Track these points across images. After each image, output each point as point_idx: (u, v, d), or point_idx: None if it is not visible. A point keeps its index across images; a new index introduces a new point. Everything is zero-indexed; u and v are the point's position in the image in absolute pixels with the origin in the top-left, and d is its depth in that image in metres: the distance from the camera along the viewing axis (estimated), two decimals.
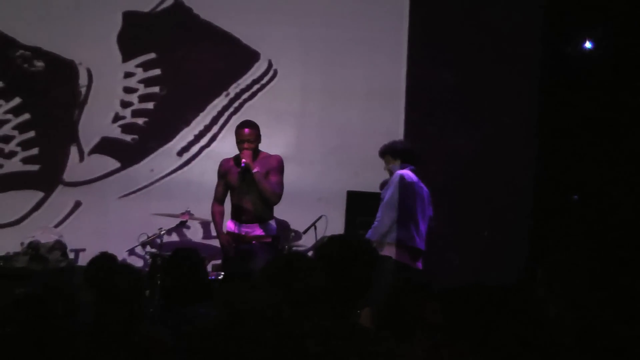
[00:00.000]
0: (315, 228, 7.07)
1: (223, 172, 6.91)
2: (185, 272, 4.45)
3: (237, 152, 7.70)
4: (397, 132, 7.91)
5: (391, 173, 6.71)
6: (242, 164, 6.65)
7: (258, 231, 6.74)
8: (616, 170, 7.48)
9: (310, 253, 6.69)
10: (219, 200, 6.94)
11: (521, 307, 3.25)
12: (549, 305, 3.63)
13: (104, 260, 4.44)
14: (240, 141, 6.75)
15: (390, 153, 6.74)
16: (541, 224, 7.61)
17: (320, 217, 7.05)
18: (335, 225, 7.16)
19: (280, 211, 7.60)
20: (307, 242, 7.08)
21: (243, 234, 6.66)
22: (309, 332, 3.05)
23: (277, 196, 6.71)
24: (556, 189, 7.65)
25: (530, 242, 7.52)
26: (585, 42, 7.87)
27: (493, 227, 7.30)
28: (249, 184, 6.67)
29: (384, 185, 6.82)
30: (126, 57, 8.05)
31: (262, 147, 8.01)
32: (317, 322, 3.10)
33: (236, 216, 6.76)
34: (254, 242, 6.69)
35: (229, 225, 6.85)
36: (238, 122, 7.98)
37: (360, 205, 7.29)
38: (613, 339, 3.43)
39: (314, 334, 3.06)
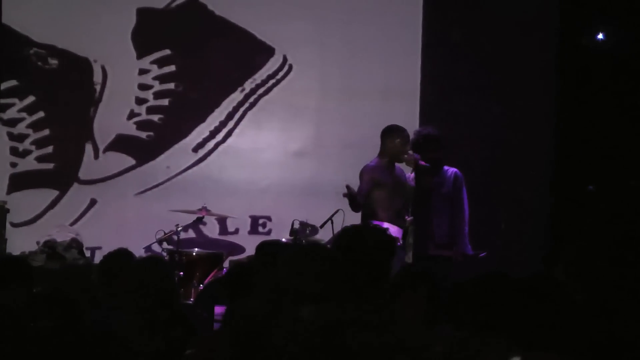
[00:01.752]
0: (332, 222, 6.99)
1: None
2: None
3: (253, 146, 7.70)
4: (413, 125, 7.87)
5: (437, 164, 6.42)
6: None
7: None
8: (633, 160, 7.43)
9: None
10: None
11: (545, 294, 3.20)
12: (572, 292, 3.58)
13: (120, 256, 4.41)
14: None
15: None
16: (559, 214, 7.55)
17: (337, 211, 6.97)
18: (352, 219, 7.07)
19: (296, 206, 7.59)
20: (324, 236, 7.00)
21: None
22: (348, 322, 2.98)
23: None
24: (574, 179, 7.60)
25: (548, 233, 7.46)
26: (600, 33, 7.83)
27: (510, 219, 7.25)
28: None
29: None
30: (141, 53, 8.04)
31: (280, 141, 8.03)
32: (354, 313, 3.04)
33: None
34: None
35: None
36: (253, 118, 8.02)
37: None
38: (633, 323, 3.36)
39: (352, 326, 2.99)
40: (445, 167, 6.51)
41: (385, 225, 6.07)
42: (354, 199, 6.25)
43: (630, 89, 7.59)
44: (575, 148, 7.71)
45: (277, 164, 8.01)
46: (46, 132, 7.97)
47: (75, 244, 7.40)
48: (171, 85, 8.07)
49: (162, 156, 8.00)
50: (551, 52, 7.87)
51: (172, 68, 8.06)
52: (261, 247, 4.81)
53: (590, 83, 7.72)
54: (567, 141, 7.76)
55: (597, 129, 7.70)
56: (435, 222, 6.30)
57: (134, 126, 8.00)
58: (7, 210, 7.72)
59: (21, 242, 7.55)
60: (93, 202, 7.91)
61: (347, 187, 6.24)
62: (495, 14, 7.93)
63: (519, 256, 6.84)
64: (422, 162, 6.28)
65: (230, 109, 8.06)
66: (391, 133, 6.40)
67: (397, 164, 6.52)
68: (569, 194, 7.58)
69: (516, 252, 6.45)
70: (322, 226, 7.11)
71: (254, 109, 8.06)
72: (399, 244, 6.07)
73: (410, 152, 6.36)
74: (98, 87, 7.99)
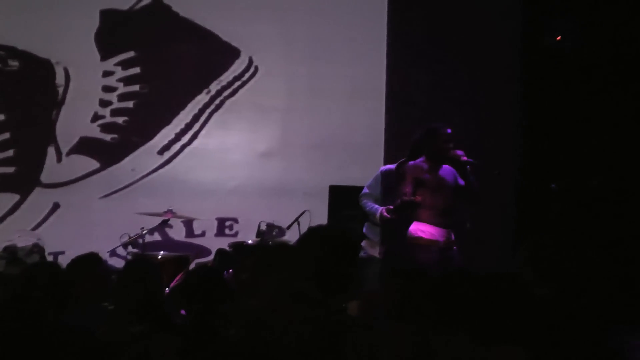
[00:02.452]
0: (299, 223, 6.98)
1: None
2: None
3: (220, 148, 7.65)
4: (379, 126, 7.88)
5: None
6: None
7: None
8: (596, 159, 7.50)
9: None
10: None
11: (509, 291, 3.18)
12: (534, 288, 3.58)
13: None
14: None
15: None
16: (525, 213, 7.59)
17: (303, 212, 6.98)
18: (319, 219, 7.08)
19: (264, 207, 7.56)
20: (291, 237, 6.97)
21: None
22: (301, 321, 2.97)
23: None
24: (539, 178, 7.63)
25: (515, 232, 7.49)
26: (561, 34, 7.90)
27: (477, 218, 7.24)
28: None
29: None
30: (105, 55, 7.95)
31: (247, 142, 7.98)
32: (307, 313, 3.02)
33: None
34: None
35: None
36: (220, 119, 7.96)
37: (343, 199, 7.22)
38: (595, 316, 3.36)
39: (306, 324, 2.98)
40: None
41: (425, 226, 6.00)
42: (407, 206, 6.02)
43: (594, 89, 7.67)
44: (540, 147, 7.77)
45: (244, 165, 7.96)
46: (7, 135, 7.84)
47: (37, 249, 7.27)
48: (136, 87, 7.99)
49: (127, 159, 7.90)
50: (514, 52, 7.95)
51: (137, 70, 7.98)
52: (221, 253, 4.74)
53: (555, 83, 7.79)
54: (532, 141, 7.81)
55: (562, 128, 7.77)
56: None
57: (98, 129, 7.90)
58: None
59: None
60: (56, 206, 7.79)
61: (403, 199, 5.96)
62: (460, 13, 7.97)
63: (486, 254, 6.82)
64: (465, 158, 6.11)
65: (196, 110, 8.00)
66: (432, 132, 6.22)
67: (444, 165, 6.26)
68: (535, 193, 7.61)
69: (483, 250, 6.45)
70: (288, 227, 7.11)
71: (220, 111, 8.01)
72: (439, 244, 5.99)
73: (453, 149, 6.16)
74: (61, 90, 7.88)
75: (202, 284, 3.87)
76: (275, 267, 3.47)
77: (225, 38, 8.01)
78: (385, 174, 6.31)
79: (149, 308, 3.76)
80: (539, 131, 7.82)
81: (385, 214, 5.99)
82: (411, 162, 6.09)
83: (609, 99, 7.63)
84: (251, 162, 7.96)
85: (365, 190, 6.32)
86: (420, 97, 7.92)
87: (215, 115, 8.00)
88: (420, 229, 5.97)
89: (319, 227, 3.56)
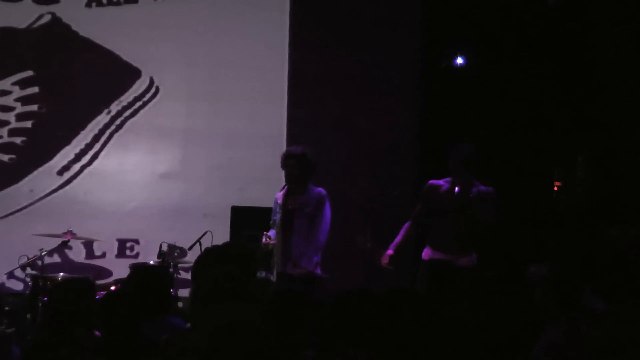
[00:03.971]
0: (201, 244, 7.01)
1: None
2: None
3: (120, 169, 7.64)
4: (280, 147, 7.99)
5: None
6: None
7: None
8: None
9: None
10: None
11: (406, 307, 3.31)
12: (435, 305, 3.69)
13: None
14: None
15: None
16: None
17: (205, 233, 7.01)
18: (221, 240, 7.10)
19: (164, 228, 7.57)
20: (192, 258, 6.99)
21: None
22: None
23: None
24: None
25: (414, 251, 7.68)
26: (457, 57, 8.22)
27: (374, 232, 7.41)
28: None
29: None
30: (1, 74, 7.87)
31: (145, 164, 7.98)
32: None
33: None
34: None
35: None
36: (120, 140, 7.94)
37: (244, 220, 7.33)
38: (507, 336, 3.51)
39: None
40: (311, 186, 6.48)
41: None
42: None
43: (489, 107, 7.95)
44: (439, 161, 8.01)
45: (144, 186, 7.97)
46: None
47: None
48: (34, 107, 7.91)
49: (26, 179, 7.82)
50: (413, 72, 8.16)
51: (35, 89, 7.91)
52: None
53: (451, 100, 8.03)
54: (429, 155, 8.03)
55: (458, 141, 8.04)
56: (295, 241, 6.31)
57: None
58: None
59: None
60: None
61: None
62: (361, 28, 8.13)
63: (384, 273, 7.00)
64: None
65: (96, 131, 7.97)
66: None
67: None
68: None
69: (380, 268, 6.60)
70: (190, 248, 7.12)
71: (121, 131, 8.00)
72: None
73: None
74: None
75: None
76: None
77: (125, 58, 8.01)
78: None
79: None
80: (436, 142, 8.03)
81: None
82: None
83: (504, 110, 7.93)
84: (151, 183, 7.97)
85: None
86: (323, 122, 8.07)
87: (116, 136, 7.99)
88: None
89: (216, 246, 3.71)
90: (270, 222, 6.48)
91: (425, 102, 8.13)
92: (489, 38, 8.07)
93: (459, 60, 8.30)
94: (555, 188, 7.94)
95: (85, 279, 5.00)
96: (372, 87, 8.12)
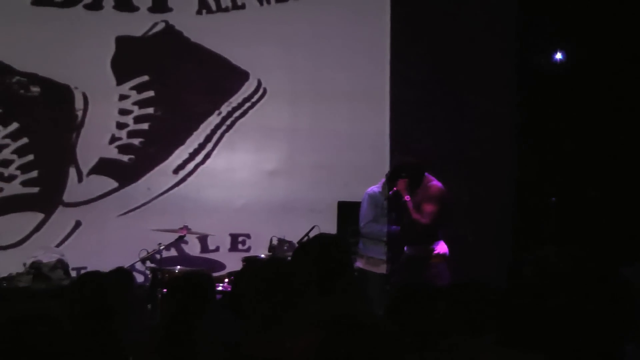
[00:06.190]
0: (309, 238, 7.27)
1: None
2: None
3: (229, 167, 8.04)
4: (384, 144, 8.23)
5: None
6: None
7: None
8: (594, 172, 7.81)
9: None
10: None
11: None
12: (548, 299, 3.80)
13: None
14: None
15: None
16: (523, 227, 7.89)
17: (313, 227, 7.26)
18: None
19: (273, 223, 7.90)
20: None
21: None
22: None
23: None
24: (537, 192, 7.94)
25: (513, 245, 7.79)
26: (556, 52, 8.25)
27: (476, 229, 7.57)
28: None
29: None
30: (120, 80, 8.28)
31: (253, 162, 8.34)
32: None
33: None
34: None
35: None
36: (229, 140, 8.33)
37: (351, 215, 7.53)
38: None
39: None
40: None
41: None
42: None
43: (591, 104, 7.97)
44: (538, 161, 8.07)
45: (252, 183, 8.27)
46: (30, 157, 8.17)
47: (61, 265, 7.61)
48: (150, 110, 8.31)
49: (144, 178, 8.23)
50: (512, 63, 8.22)
51: (151, 93, 8.30)
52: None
53: (551, 98, 8.07)
54: (529, 154, 8.11)
55: (558, 142, 8.08)
56: None
57: (116, 150, 8.23)
58: None
59: (8, 265, 7.72)
60: (78, 224, 8.12)
61: None
62: (460, 19, 8.25)
63: (485, 266, 7.15)
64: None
65: (208, 131, 8.32)
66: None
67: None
68: (532, 206, 7.92)
69: (482, 262, 6.77)
70: (299, 242, 7.40)
71: (231, 131, 8.33)
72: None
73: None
74: (80, 113, 8.22)
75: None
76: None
77: (234, 61, 8.35)
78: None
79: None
80: (535, 143, 8.11)
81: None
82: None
83: (606, 110, 7.93)
84: (259, 180, 8.29)
85: (363, 221, 6.85)
86: (420, 113, 8.21)
87: (227, 136, 8.34)
88: None
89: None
90: (373, 217, 6.85)
91: (523, 103, 8.21)
92: (590, 36, 8.04)
93: (558, 55, 8.30)
94: None
95: (202, 272, 5.30)
96: (470, 88, 8.24)
